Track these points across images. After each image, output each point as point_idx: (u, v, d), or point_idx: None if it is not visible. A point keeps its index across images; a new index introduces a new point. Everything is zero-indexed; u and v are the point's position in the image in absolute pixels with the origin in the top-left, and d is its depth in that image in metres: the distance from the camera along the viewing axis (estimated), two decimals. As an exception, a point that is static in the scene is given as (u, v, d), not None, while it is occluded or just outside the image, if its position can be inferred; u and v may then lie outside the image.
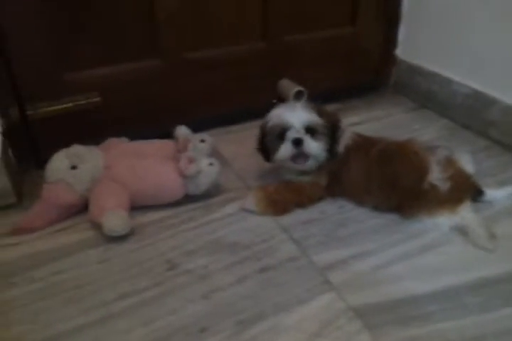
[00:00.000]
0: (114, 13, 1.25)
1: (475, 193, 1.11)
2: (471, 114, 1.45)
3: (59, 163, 1.12)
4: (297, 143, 1.06)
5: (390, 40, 1.68)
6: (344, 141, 1.12)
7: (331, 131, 1.10)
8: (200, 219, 1.13)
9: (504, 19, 1.28)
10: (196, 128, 1.33)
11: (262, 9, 1.43)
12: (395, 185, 1.08)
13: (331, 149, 1.10)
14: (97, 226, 1.07)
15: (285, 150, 1.08)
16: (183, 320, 0.86)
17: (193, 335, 0.83)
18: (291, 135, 1.07)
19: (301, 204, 1.15)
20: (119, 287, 0.94)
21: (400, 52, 1.70)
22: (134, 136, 1.29)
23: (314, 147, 1.07)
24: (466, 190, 1.08)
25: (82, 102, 1.28)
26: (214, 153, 1.30)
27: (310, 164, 1.11)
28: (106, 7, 1.23)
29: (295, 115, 1.08)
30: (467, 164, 1.16)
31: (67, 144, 1.16)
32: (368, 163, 1.10)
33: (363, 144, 1.13)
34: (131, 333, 0.84)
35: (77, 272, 0.98)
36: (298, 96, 1.51)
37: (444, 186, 1.05)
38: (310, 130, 1.08)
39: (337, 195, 1.17)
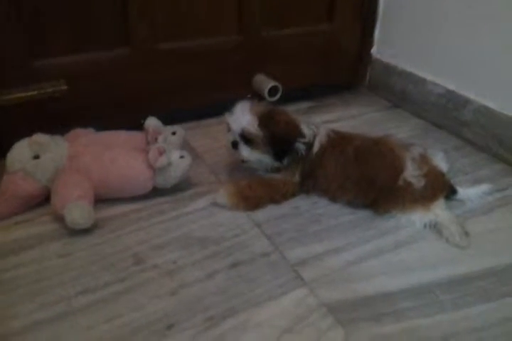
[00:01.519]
0: (86, 1, 1.20)
1: (448, 191, 1.10)
2: (444, 113, 1.46)
3: (20, 151, 1.06)
4: (234, 145, 1.11)
5: (366, 38, 1.67)
6: (320, 139, 1.10)
7: (274, 142, 1.07)
8: (169, 213, 1.09)
9: (479, 21, 1.29)
10: (168, 121, 1.28)
11: (238, 2, 1.40)
12: (371, 181, 1.06)
13: (277, 158, 1.09)
14: (59, 218, 1.02)
15: (227, 145, 1.13)
16: (148, 317, 0.82)
17: (159, 332, 0.79)
18: (229, 137, 1.11)
19: (274, 200, 1.12)
20: (81, 282, 0.89)
21: (375, 51, 1.69)
22: (101, 126, 1.23)
23: (246, 153, 1.10)
24: (440, 188, 1.08)
25: (49, 90, 1.22)
26: (185, 147, 1.27)
27: (251, 165, 1.14)
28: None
29: (235, 120, 1.09)
30: (440, 162, 1.15)
31: (31, 133, 1.10)
32: (344, 159, 1.08)
33: (339, 141, 1.12)
34: (93, 330, 0.80)
35: (37, 266, 0.93)
36: (273, 91, 1.49)
37: (418, 183, 1.04)
38: (244, 137, 1.08)
39: (311, 191, 1.15)
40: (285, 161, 1.10)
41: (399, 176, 1.04)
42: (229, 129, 1.12)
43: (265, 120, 1.07)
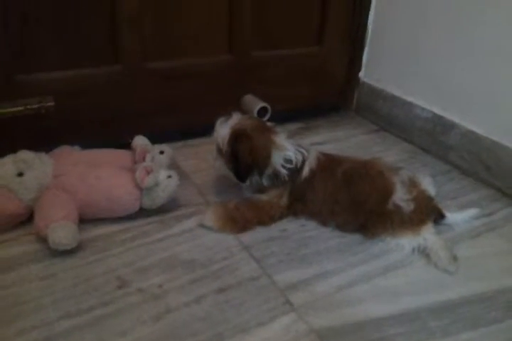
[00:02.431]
0: (75, 15, 1.19)
1: (436, 216, 1.10)
2: (431, 138, 1.47)
3: (4, 168, 1.03)
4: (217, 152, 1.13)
5: (354, 62, 1.70)
6: (310, 162, 1.09)
7: (233, 162, 1.07)
8: (154, 235, 1.06)
9: (465, 46, 1.32)
10: (155, 140, 1.27)
11: (229, 22, 1.41)
12: (360, 205, 1.06)
13: (237, 176, 1.09)
14: (41, 239, 0.98)
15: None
16: (133, 343, 0.79)
17: (143, 360, 0.77)
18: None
19: (262, 222, 1.11)
20: (63, 306, 0.86)
21: (363, 74, 1.72)
22: (88, 144, 1.22)
23: (216, 164, 1.14)
24: (428, 212, 1.08)
25: (35, 106, 1.20)
26: (173, 167, 1.25)
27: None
28: (67, 9, 1.18)
29: (217, 130, 1.10)
30: (428, 187, 1.16)
31: (16, 150, 1.07)
32: (333, 183, 1.08)
33: (328, 164, 1.11)
34: (75, 357, 0.76)
35: (16, 288, 0.89)
36: (262, 112, 1.49)
37: (407, 207, 1.04)
38: (217, 148, 1.10)
39: (299, 214, 1.14)
40: (264, 181, 1.09)
41: (388, 200, 1.04)
42: None
43: (233, 139, 1.05)
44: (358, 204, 1.06)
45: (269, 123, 1.15)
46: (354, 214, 1.07)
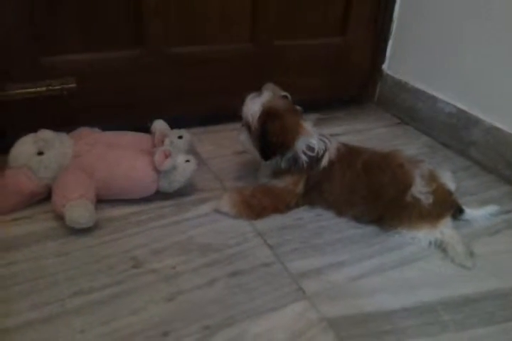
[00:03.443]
0: (100, -1, 1.20)
1: (455, 211, 1.08)
2: (453, 132, 1.45)
3: (25, 147, 1.05)
4: (242, 125, 1.12)
5: (378, 54, 1.67)
6: (330, 152, 1.08)
7: (262, 140, 1.05)
8: (170, 218, 1.07)
9: (492, 41, 1.29)
10: (174, 125, 1.26)
11: (252, 10, 1.40)
12: (378, 196, 1.05)
13: (262, 155, 1.08)
14: (59, 217, 1.00)
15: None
16: (144, 322, 0.80)
17: (154, 339, 0.77)
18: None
19: (278, 209, 1.10)
20: (77, 283, 0.87)
21: (386, 66, 1.69)
22: (108, 126, 1.22)
23: (241, 137, 1.12)
24: (447, 206, 1.06)
25: (57, 87, 1.21)
26: (191, 152, 1.24)
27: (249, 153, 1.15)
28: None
29: (248, 105, 1.08)
30: (448, 181, 1.14)
31: (36, 129, 1.09)
32: (352, 173, 1.07)
33: (348, 154, 1.10)
34: (87, 333, 0.77)
35: (32, 264, 0.91)
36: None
37: (426, 200, 1.02)
38: (246, 123, 1.09)
39: (316, 204, 1.13)
40: (282, 164, 1.08)
41: (407, 192, 1.03)
42: None
43: (265, 116, 1.04)
44: (376, 195, 1.04)
45: (297, 107, 1.13)
46: (371, 205, 1.06)
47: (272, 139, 1.03)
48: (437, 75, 1.49)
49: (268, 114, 1.04)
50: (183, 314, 0.82)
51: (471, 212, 1.10)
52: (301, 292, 0.88)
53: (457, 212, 1.09)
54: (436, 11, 1.46)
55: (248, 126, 1.08)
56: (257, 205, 1.08)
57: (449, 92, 1.46)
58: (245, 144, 1.12)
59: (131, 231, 1.01)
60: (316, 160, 1.07)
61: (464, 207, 1.09)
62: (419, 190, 1.02)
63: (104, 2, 1.21)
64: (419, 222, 1.03)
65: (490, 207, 1.13)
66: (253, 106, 1.06)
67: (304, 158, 1.06)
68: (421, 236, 1.03)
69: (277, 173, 1.10)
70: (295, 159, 1.07)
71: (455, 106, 1.43)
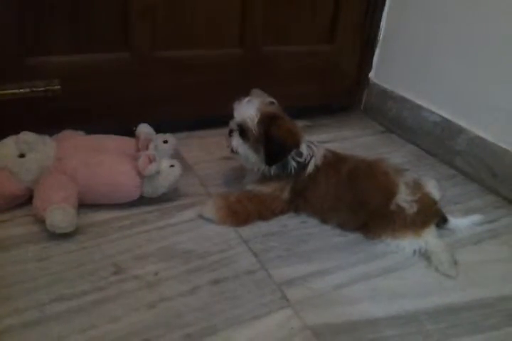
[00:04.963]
0: (88, 1, 1.19)
1: (439, 220, 1.09)
2: (438, 141, 1.46)
3: (6, 149, 1.03)
4: (229, 132, 1.09)
5: (365, 62, 1.68)
6: (316, 158, 1.08)
7: (268, 144, 1.04)
8: (153, 223, 1.05)
9: (477, 51, 1.30)
10: (160, 129, 1.25)
11: (241, 16, 1.40)
12: (363, 204, 1.05)
13: (267, 161, 1.05)
14: (40, 220, 0.98)
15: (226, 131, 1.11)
16: (124, 330, 0.78)
17: (133, 347, 0.75)
18: (231, 123, 1.09)
19: (263, 216, 1.10)
20: (57, 288, 0.85)
21: (373, 75, 1.70)
22: (92, 130, 1.21)
23: (235, 143, 1.08)
24: (431, 215, 1.06)
25: (41, 89, 1.20)
26: (176, 157, 1.23)
27: (238, 158, 1.11)
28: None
29: (240, 109, 1.06)
30: (433, 190, 1.15)
31: (19, 131, 1.06)
32: (337, 180, 1.07)
33: (334, 161, 1.10)
34: (65, 340, 0.75)
35: (11, 268, 0.89)
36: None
37: (410, 209, 1.03)
38: (241, 128, 1.06)
39: (301, 211, 1.13)
40: (272, 169, 1.07)
41: (391, 200, 1.03)
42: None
43: (266, 120, 1.03)
44: (361, 202, 1.05)
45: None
46: (356, 213, 1.06)
47: (281, 142, 1.03)
48: (423, 84, 1.51)
49: (270, 118, 1.04)
50: (164, 322, 0.80)
51: (455, 221, 1.11)
52: (285, 300, 0.88)
53: (441, 221, 1.09)
54: (422, 21, 1.47)
55: (242, 131, 1.06)
56: (242, 212, 1.08)
57: (434, 101, 1.47)
58: (240, 149, 1.08)
59: (114, 237, 1.00)
60: (302, 166, 1.07)
61: (448, 216, 1.10)
62: (404, 199, 1.03)
63: (92, 5, 1.19)
64: (403, 231, 1.03)
65: (474, 217, 1.14)
66: (248, 111, 1.05)
67: (292, 163, 1.06)
68: (405, 244, 1.03)
69: (264, 179, 1.10)
70: (284, 165, 1.06)
71: (440, 116, 1.44)
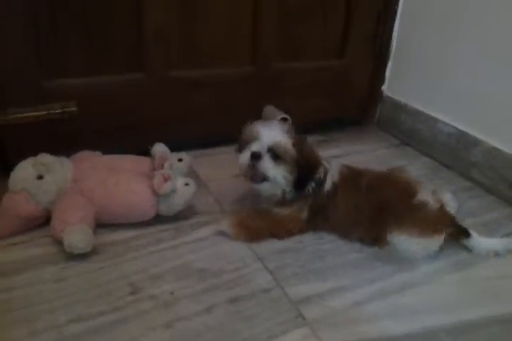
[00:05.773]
0: (103, 24, 1.22)
1: (460, 234, 1.07)
2: (453, 153, 1.45)
3: (24, 171, 1.05)
4: (254, 156, 1.01)
5: (377, 75, 1.69)
6: (332, 175, 1.08)
7: (302, 167, 1.03)
8: (169, 242, 1.06)
9: (491, 62, 1.30)
10: (174, 148, 1.26)
11: (252, 33, 1.42)
12: (383, 209, 1.03)
13: (298, 184, 1.04)
14: (57, 241, 0.99)
15: (243, 158, 1.03)
16: (141, 350, 0.78)
17: (151, 367, 0.76)
18: (253, 147, 1.02)
19: (276, 235, 1.09)
20: (75, 309, 0.86)
21: (386, 88, 1.70)
22: (108, 150, 1.22)
23: (270, 168, 1.01)
24: (445, 224, 1.04)
25: (58, 111, 1.22)
26: (191, 175, 1.24)
27: (266, 187, 1.06)
28: (95, 18, 1.20)
29: (268, 131, 1.03)
30: (450, 203, 1.14)
31: (37, 153, 1.09)
32: (357, 195, 1.06)
33: (351, 177, 1.09)
34: (83, 361, 0.76)
35: (29, 290, 0.90)
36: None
37: (432, 206, 1.02)
38: (273, 152, 1.02)
39: (320, 229, 1.12)
40: (293, 192, 1.06)
41: (412, 198, 1.03)
42: (248, 142, 1.05)
43: (299, 143, 1.03)
44: (381, 208, 1.03)
45: None
46: (376, 220, 1.04)
47: (314, 164, 1.05)
48: (436, 96, 1.50)
49: (300, 141, 1.04)
50: (181, 342, 0.81)
51: (477, 240, 1.07)
52: (301, 318, 0.87)
53: (463, 235, 1.07)
54: (435, 33, 1.47)
55: (275, 155, 1.02)
56: (254, 227, 1.08)
57: (448, 113, 1.46)
58: (273, 172, 1.02)
59: (130, 256, 1.00)
60: (320, 183, 1.07)
61: (471, 232, 1.06)
62: (424, 198, 1.02)
63: (106, 27, 1.22)
64: (422, 227, 1.00)
65: (499, 241, 1.09)
66: (278, 133, 1.03)
67: (311, 183, 1.06)
68: (419, 247, 1.02)
69: (283, 201, 1.09)
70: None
71: (455, 127, 1.43)
